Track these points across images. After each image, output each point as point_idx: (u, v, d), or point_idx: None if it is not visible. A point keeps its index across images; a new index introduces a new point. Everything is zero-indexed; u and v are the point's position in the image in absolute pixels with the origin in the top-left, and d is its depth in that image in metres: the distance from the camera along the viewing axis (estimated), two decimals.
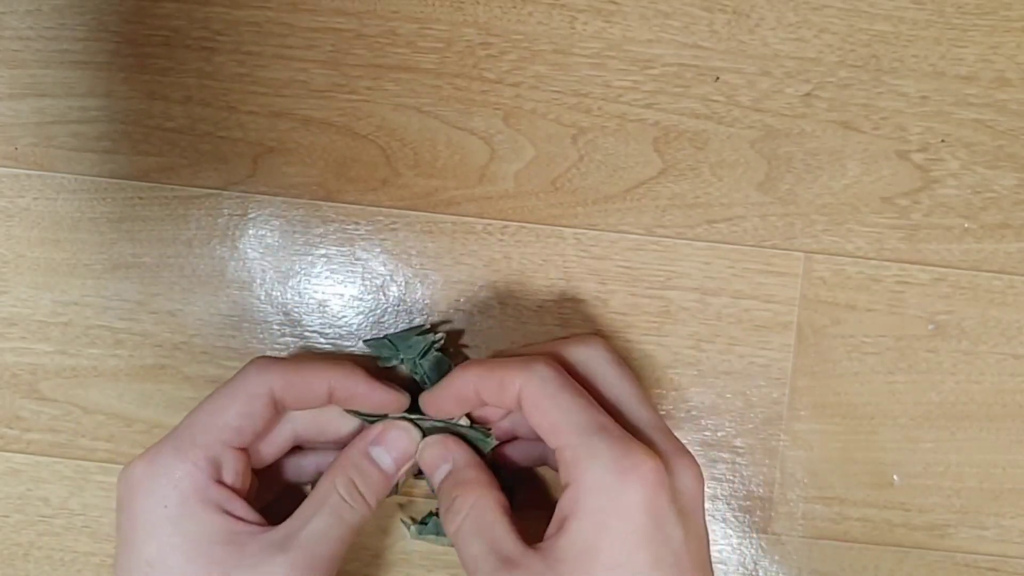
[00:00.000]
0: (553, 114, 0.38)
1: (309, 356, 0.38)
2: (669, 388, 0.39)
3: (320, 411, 0.35)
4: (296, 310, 0.39)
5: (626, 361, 0.38)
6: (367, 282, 0.39)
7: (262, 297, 0.39)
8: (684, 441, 0.33)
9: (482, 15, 0.38)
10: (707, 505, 0.39)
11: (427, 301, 0.38)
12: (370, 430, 0.35)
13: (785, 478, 0.39)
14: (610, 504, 0.30)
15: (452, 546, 0.33)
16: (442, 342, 0.37)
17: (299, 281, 0.39)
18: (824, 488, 0.39)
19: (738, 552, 0.39)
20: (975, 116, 0.38)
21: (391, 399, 0.34)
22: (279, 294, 0.39)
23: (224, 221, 0.38)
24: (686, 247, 0.38)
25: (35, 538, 0.39)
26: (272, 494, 0.36)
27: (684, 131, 0.38)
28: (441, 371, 0.36)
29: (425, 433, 0.35)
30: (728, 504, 0.39)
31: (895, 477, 0.39)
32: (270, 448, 0.34)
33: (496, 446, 0.35)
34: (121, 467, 0.32)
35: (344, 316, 0.39)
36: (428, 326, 0.38)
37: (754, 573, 0.39)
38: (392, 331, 0.38)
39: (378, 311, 0.39)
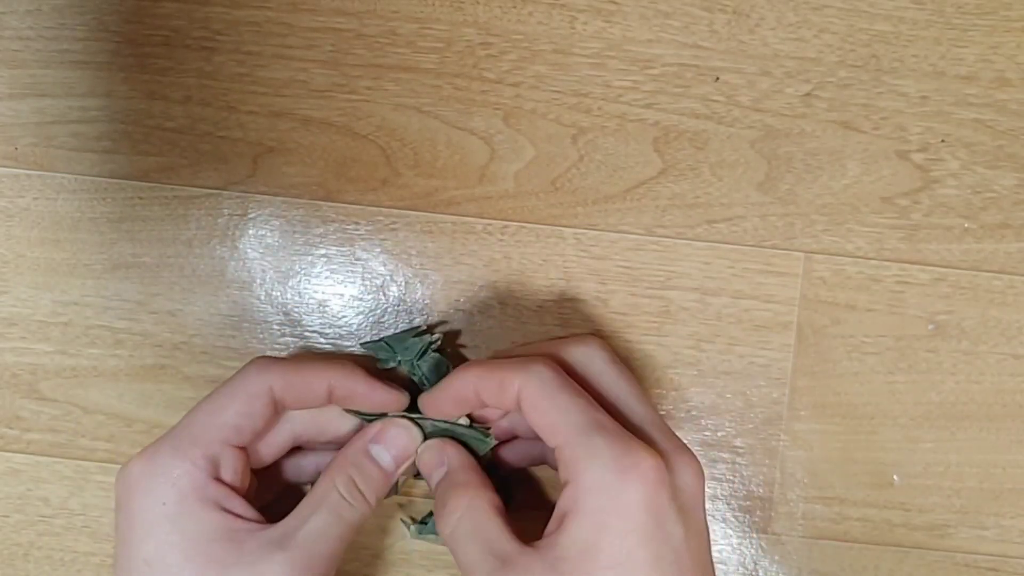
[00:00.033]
0: (553, 114, 0.38)
1: (309, 356, 0.38)
2: (669, 388, 0.39)
3: (320, 411, 0.35)
4: (296, 310, 0.39)
5: (626, 361, 0.38)
6: (367, 282, 0.39)
7: (262, 297, 0.39)
8: (684, 441, 0.33)
9: (482, 15, 0.38)
10: (707, 505, 0.39)
11: (427, 301, 0.38)
12: (369, 428, 0.35)
13: (785, 478, 0.39)
14: (610, 502, 0.30)
15: None
16: (439, 343, 0.37)
17: (299, 281, 0.39)
18: (824, 488, 0.39)
19: (738, 552, 0.39)
20: (975, 116, 0.38)
21: (391, 398, 0.34)
22: (279, 294, 0.39)
23: (224, 221, 0.38)
24: (686, 247, 0.38)
25: (35, 538, 0.39)
26: (272, 494, 0.36)
27: (684, 131, 0.38)
28: (439, 372, 0.36)
29: (425, 432, 0.35)
30: (728, 504, 0.39)
31: (895, 477, 0.39)
32: (270, 448, 0.34)
33: (495, 446, 0.35)
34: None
35: (344, 316, 0.39)
36: (424, 327, 0.38)
37: (754, 573, 0.39)
38: (391, 331, 0.38)
39: (378, 311, 0.39)
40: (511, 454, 0.37)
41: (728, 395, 0.39)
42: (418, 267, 0.38)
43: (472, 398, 0.33)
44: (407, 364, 0.36)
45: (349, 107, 0.38)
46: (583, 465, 0.30)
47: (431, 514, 0.38)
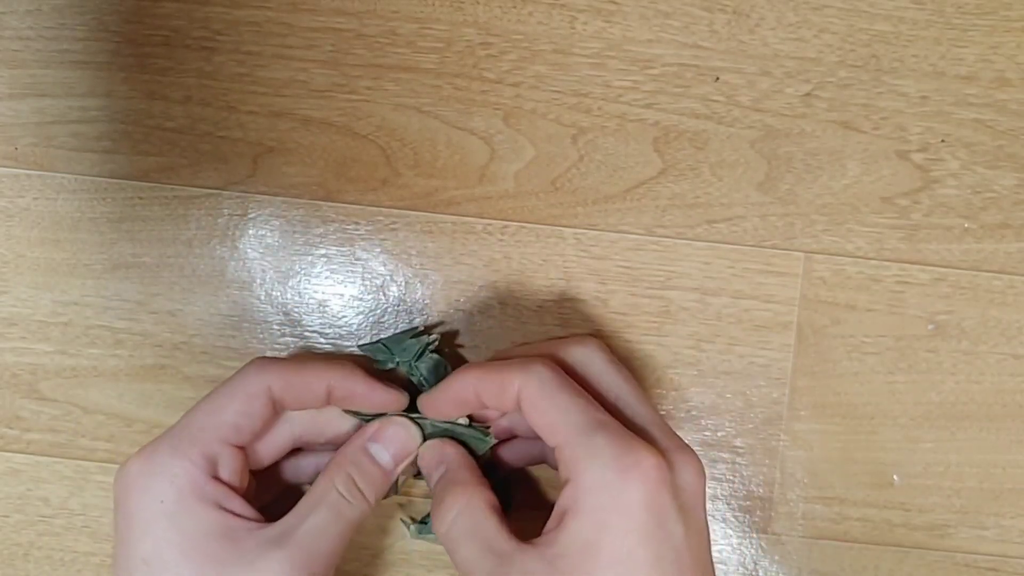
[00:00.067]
0: (553, 114, 0.38)
1: (308, 356, 0.38)
2: (669, 388, 0.39)
3: (319, 412, 0.35)
4: (296, 310, 0.39)
5: (626, 361, 0.38)
6: (367, 282, 0.39)
7: (262, 297, 0.39)
8: (684, 441, 0.33)
9: (482, 15, 0.38)
10: (707, 505, 0.39)
11: (427, 301, 0.38)
12: (368, 427, 0.35)
13: (785, 478, 0.39)
14: (611, 501, 0.29)
15: None
16: (436, 343, 0.37)
17: (299, 281, 0.39)
18: (824, 488, 0.39)
19: (738, 552, 0.39)
20: (975, 116, 0.38)
21: (390, 398, 0.34)
22: (279, 294, 0.39)
23: (224, 221, 0.38)
24: (686, 247, 0.38)
25: (35, 538, 0.39)
26: (272, 495, 0.36)
27: (684, 131, 0.38)
28: (438, 373, 0.36)
29: (425, 432, 0.35)
30: (728, 504, 0.39)
31: (895, 477, 0.39)
32: (269, 449, 0.34)
33: (494, 445, 0.35)
34: None
35: (344, 316, 0.39)
36: (422, 328, 0.38)
37: (754, 573, 0.39)
38: (391, 332, 0.38)
39: (378, 311, 0.39)
40: (510, 453, 0.37)
41: (728, 395, 0.39)
42: (418, 267, 0.38)
43: (471, 400, 0.33)
44: (405, 365, 0.36)
45: (349, 107, 0.38)
46: (584, 464, 0.30)
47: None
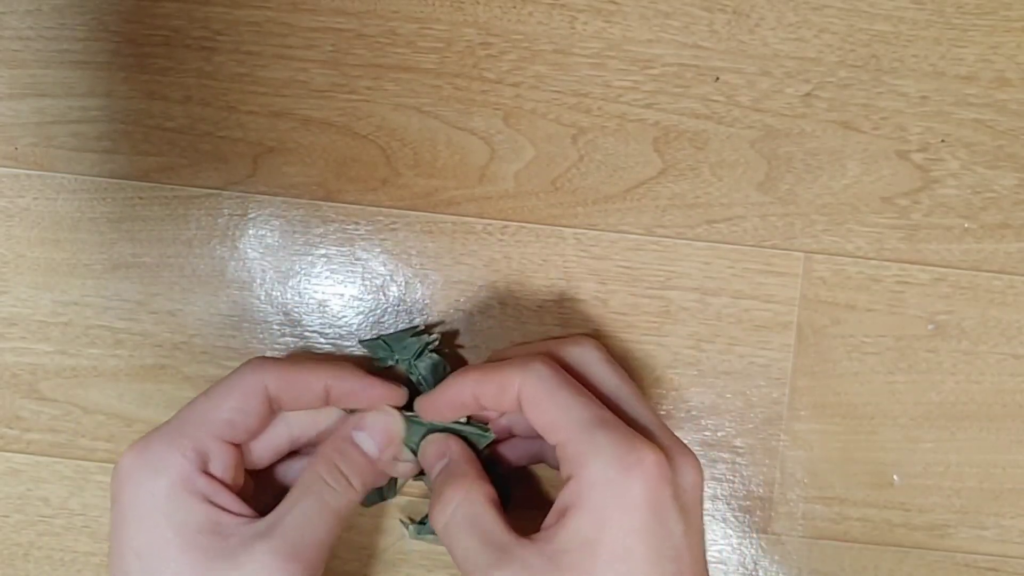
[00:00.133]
0: (553, 114, 0.38)
1: (306, 356, 0.38)
2: (669, 388, 0.39)
3: (317, 413, 0.35)
4: (296, 310, 0.39)
5: (626, 361, 0.38)
6: (367, 282, 0.39)
7: (262, 297, 0.39)
8: (684, 441, 0.33)
9: (482, 15, 0.38)
10: (707, 505, 0.39)
11: (427, 301, 0.38)
12: (352, 417, 0.35)
13: (785, 478, 0.39)
14: (613, 498, 0.30)
15: None
16: (437, 343, 0.37)
17: (299, 281, 0.39)
18: (824, 488, 0.39)
19: (738, 552, 0.39)
20: (975, 116, 0.38)
21: (389, 393, 0.34)
22: (279, 294, 0.39)
23: (224, 221, 0.38)
24: (686, 247, 0.38)
25: (35, 538, 0.39)
26: (271, 498, 0.36)
27: (684, 131, 0.38)
28: (437, 374, 0.36)
29: (425, 430, 0.35)
30: (728, 504, 0.39)
31: (895, 477, 0.39)
32: (266, 449, 0.34)
33: (494, 441, 0.35)
34: None
35: (344, 316, 0.39)
36: (423, 327, 0.38)
37: (754, 573, 0.39)
38: (391, 331, 0.38)
39: (378, 311, 0.39)
40: (509, 452, 0.37)
41: (728, 395, 0.39)
42: (418, 267, 0.38)
43: (469, 402, 0.33)
44: (404, 363, 0.36)
45: (349, 107, 0.38)
46: (586, 460, 0.30)
47: None
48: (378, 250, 0.38)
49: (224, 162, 0.38)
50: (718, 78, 0.38)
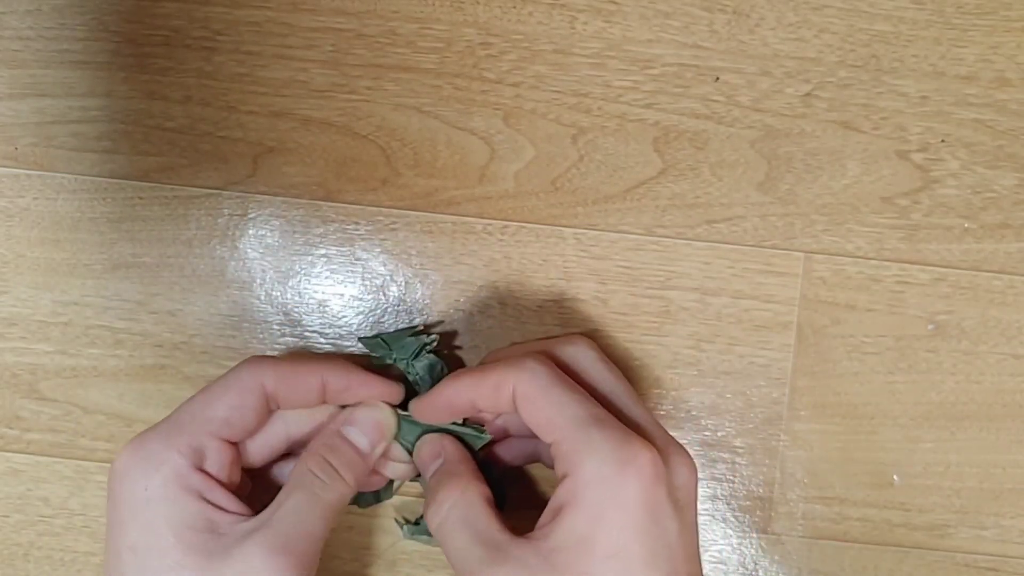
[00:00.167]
0: (553, 114, 0.38)
1: (303, 354, 0.38)
2: (669, 388, 0.39)
3: (314, 412, 0.35)
4: (296, 310, 0.39)
5: (626, 361, 0.38)
6: (367, 282, 0.39)
7: (262, 297, 0.39)
8: (684, 441, 0.33)
9: (482, 15, 0.38)
10: (707, 505, 0.39)
11: (427, 301, 0.38)
12: (342, 412, 0.35)
13: (785, 478, 0.39)
14: (608, 495, 0.30)
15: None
16: (434, 344, 0.37)
17: (299, 281, 0.39)
18: (824, 488, 0.39)
19: (738, 552, 0.39)
20: (975, 116, 0.38)
21: (386, 389, 0.34)
22: (279, 294, 0.39)
23: (224, 221, 0.38)
24: (686, 247, 0.38)
25: (35, 538, 0.39)
26: (268, 499, 0.36)
27: (684, 131, 0.38)
28: (434, 374, 0.36)
29: (420, 430, 0.35)
30: (728, 504, 0.39)
31: (895, 477, 0.39)
32: (263, 448, 0.34)
33: (490, 442, 0.35)
34: None
35: (344, 316, 0.39)
36: (421, 327, 0.38)
37: (754, 573, 0.39)
38: (390, 331, 0.38)
39: (378, 311, 0.39)
40: (505, 452, 0.37)
41: (728, 395, 0.39)
42: (418, 267, 0.38)
43: (465, 405, 0.33)
44: (402, 363, 0.36)
45: (349, 107, 0.38)
46: (581, 458, 0.30)
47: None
48: (378, 250, 0.38)
49: (224, 162, 0.38)
50: (718, 78, 0.38)
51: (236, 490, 0.33)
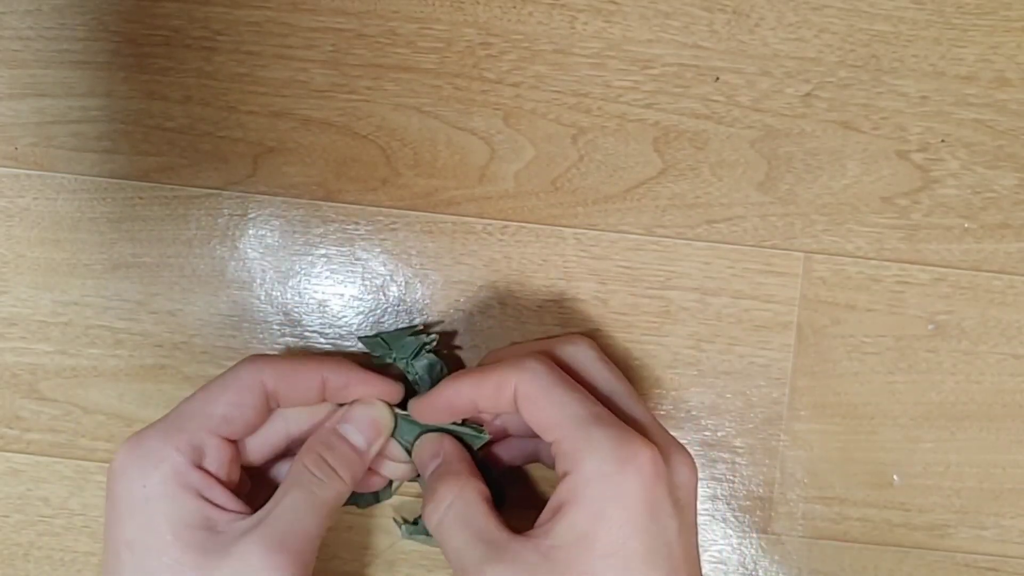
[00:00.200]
0: (553, 114, 0.38)
1: (303, 352, 0.38)
2: (669, 388, 0.39)
3: (314, 410, 0.35)
4: (296, 310, 0.39)
5: (626, 361, 0.38)
6: (367, 282, 0.39)
7: (262, 297, 0.39)
8: (684, 441, 0.33)
9: (482, 15, 0.38)
10: (707, 505, 0.39)
11: (427, 301, 0.38)
12: (339, 411, 0.35)
13: (785, 478, 0.39)
14: (609, 493, 0.30)
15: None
16: (434, 344, 0.37)
17: (299, 281, 0.39)
18: (824, 488, 0.39)
19: (738, 552, 0.39)
20: (975, 116, 0.38)
21: (386, 388, 0.35)
22: (279, 294, 0.39)
23: (224, 221, 0.38)
24: (686, 247, 0.38)
25: (35, 538, 0.39)
26: (268, 497, 0.36)
27: (684, 131, 0.38)
28: (433, 374, 0.36)
29: (419, 430, 0.35)
30: (728, 504, 0.39)
31: (895, 477, 0.39)
32: (263, 447, 0.34)
33: (489, 442, 0.35)
34: None
35: (344, 316, 0.39)
36: (421, 327, 0.38)
37: (754, 573, 0.39)
38: (389, 331, 0.38)
39: (378, 311, 0.39)
40: (504, 452, 0.37)
41: (728, 395, 0.39)
42: (418, 267, 0.38)
43: (465, 405, 0.33)
44: (402, 362, 0.36)
45: (349, 107, 0.38)
46: (582, 456, 0.30)
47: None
48: (378, 250, 0.38)
49: (224, 162, 0.38)
50: (718, 78, 0.38)
51: (235, 488, 0.33)
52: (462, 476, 0.33)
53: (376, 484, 0.37)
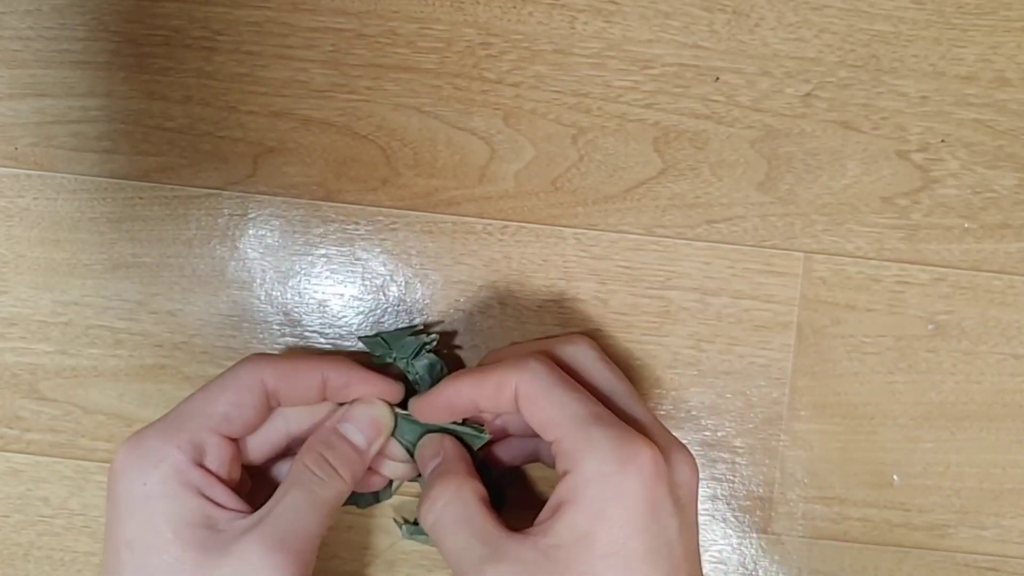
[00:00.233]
0: (553, 114, 0.38)
1: (303, 352, 0.38)
2: (669, 388, 0.39)
3: (314, 410, 0.35)
4: (296, 310, 0.39)
5: (626, 361, 0.38)
6: (367, 282, 0.39)
7: (262, 297, 0.39)
8: (684, 441, 0.33)
9: (482, 15, 0.38)
10: (707, 505, 0.39)
11: (427, 301, 0.38)
12: (339, 410, 0.35)
13: (785, 478, 0.39)
14: (609, 493, 0.30)
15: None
16: (434, 344, 0.37)
17: (299, 281, 0.39)
18: (824, 488, 0.39)
19: (738, 552, 0.39)
20: (975, 116, 0.38)
21: (386, 387, 0.35)
22: (279, 294, 0.39)
23: (224, 221, 0.38)
24: (686, 247, 0.38)
25: (35, 538, 0.39)
26: (268, 497, 0.36)
27: (684, 131, 0.38)
28: (433, 374, 0.36)
29: (420, 430, 0.35)
30: (728, 504, 0.39)
31: (895, 477, 0.39)
32: (263, 445, 0.34)
33: (489, 441, 0.35)
34: None
35: (344, 316, 0.39)
36: (421, 327, 0.38)
37: (754, 573, 0.39)
38: (389, 330, 0.38)
39: (378, 311, 0.39)
40: (504, 452, 0.37)
41: (728, 395, 0.39)
42: (418, 267, 0.38)
43: (466, 405, 0.33)
44: (402, 362, 0.36)
45: (349, 107, 0.38)
46: (582, 456, 0.30)
47: None
48: (378, 250, 0.38)
49: (224, 162, 0.38)
50: (718, 78, 0.38)
51: (236, 487, 0.33)
52: (459, 475, 0.33)
53: (376, 484, 0.37)
